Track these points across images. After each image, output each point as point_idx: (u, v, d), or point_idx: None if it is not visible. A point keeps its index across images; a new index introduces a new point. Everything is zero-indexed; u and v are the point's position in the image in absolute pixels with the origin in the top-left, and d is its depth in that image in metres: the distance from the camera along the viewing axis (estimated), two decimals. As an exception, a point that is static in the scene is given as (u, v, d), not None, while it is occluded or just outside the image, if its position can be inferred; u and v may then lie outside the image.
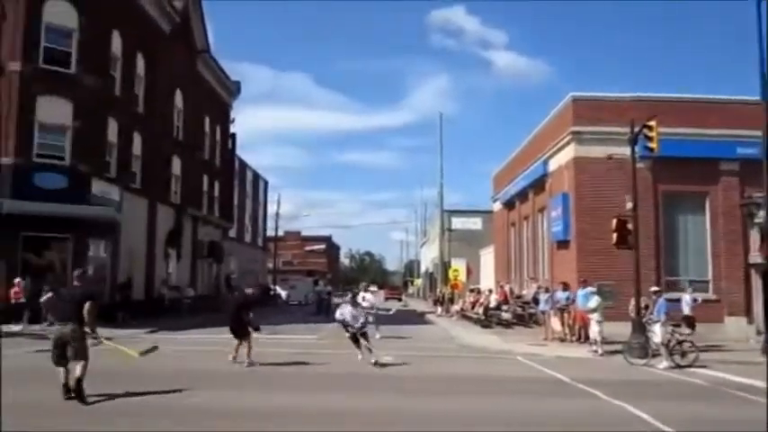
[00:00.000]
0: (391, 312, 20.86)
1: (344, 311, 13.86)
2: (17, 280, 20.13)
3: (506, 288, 28.92)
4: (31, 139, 22.23)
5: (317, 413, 8.43)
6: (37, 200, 21.19)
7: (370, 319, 18.63)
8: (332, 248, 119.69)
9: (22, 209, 20.99)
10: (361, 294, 20.78)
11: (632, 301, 16.64)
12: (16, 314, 19.56)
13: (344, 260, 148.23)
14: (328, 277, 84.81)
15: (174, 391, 9.56)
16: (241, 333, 13.19)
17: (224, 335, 15.08)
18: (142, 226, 28.53)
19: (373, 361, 12.88)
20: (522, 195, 30.68)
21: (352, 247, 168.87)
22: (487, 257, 42.24)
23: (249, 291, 18.41)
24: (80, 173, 22.82)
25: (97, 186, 23.53)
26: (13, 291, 19.89)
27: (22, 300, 19.92)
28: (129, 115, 27.16)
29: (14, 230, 21.36)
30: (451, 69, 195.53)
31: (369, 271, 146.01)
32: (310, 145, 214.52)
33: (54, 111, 22.79)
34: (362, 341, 13.55)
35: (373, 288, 28.09)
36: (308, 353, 15.24)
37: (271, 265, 66.18)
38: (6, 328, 18.78)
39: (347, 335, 13.95)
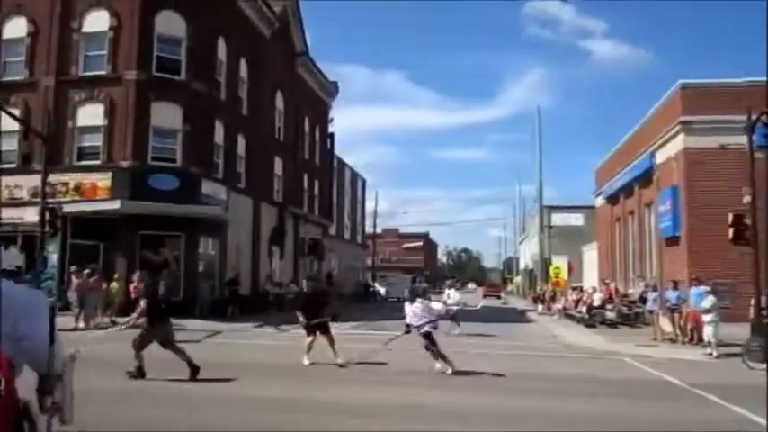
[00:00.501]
0: (478, 307, 20.50)
1: (406, 310, 12.36)
2: (136, 274, 21.47)
3: (611, 286, 27.85)
4: (146, 143, 23.69)
5: (412, 410, 8.45)
6: (152, 200, 22.57)
7: (450, 313, 18.52)
8: (429, 245, 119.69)
9: (140, 209, 22.43)
10: (446, 291, 20.62)
11: (752, 301, 15.58)
12: (135, 307, 20.87)
13: (442, 257, 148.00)
14: (426, 274, 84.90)
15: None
16: (320, 329, 12.60)
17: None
18: (247, 224, 29.72)
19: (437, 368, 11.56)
20: (627, 189, 29.43)
21: (450, 244, 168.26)
22: (590, 254, 40.84)
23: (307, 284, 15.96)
24: (191, 174, 24.08)
25: (206, 187, 24.77)
26: (132, 286, 21.25)
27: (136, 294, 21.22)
28: (234, 118, 28.36)
29: (133, 229, 22.88)
30: (547, 61, 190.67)
31: (466, 268, 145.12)
32: (406, 143, 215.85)
33: (166, 116, 24.19)
34: (426, 344, 11.74)
35: (472, 285, 27.75)
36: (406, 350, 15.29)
37: (370, 263, 67.09)
38: (126, 319, 20.12)
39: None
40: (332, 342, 12.56)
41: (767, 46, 13.93)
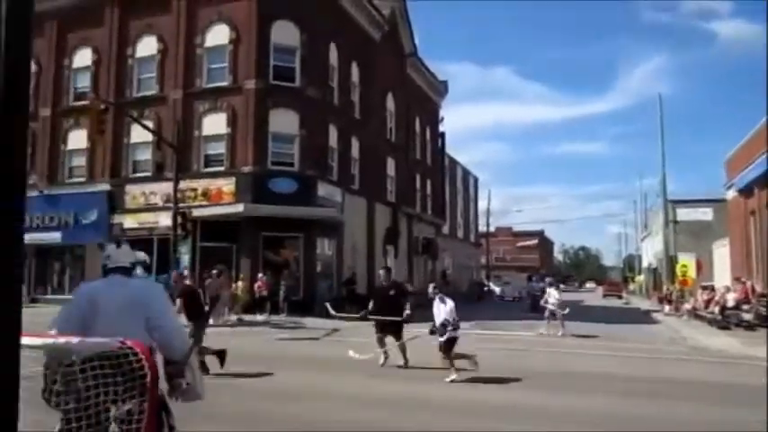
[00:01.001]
0: (566, 311, 19.39)
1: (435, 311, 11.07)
2: (260, 275, 22.54)
3: (748, 285, 25.83)
4: (265, 148, 24.76)
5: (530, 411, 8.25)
6: (272, 203, 23.57)
7: (558, 311, 17.58)
8: (545, 243, 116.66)
9: (261, 212, 23.48)
10: (547, 290, 19.84)
11: None
12: (260, 306, 21.90)
13: (558, 255, 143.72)
14: (542, 273, 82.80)
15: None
16: (394, 328, 11.64)
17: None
18: (362, 225, 30.31)
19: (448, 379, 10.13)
20: (763, 180, 27.21)
21: (566, 242, 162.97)
22: (721, 251, 38.09)
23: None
24: (307, 177, 24.90)
25: (322, 189, 25.52)
26: (256, 285, 22.31)
27: (264, 293, 22.23)
28: (347, 121, 29.01)
29: (256, 231, 23.98)
30: (666, 46, 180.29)
31: (584, 266, 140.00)
32: (518, 139, 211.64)
33: (284, 122, 25.16)
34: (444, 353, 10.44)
35: (591, 284, 26.56)
36: (525, 350, 14.99)
37: (483, 261, 66.36)
38: (251, 317, 21.17)
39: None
40: (402, 347, 11.63)
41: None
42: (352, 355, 11.50)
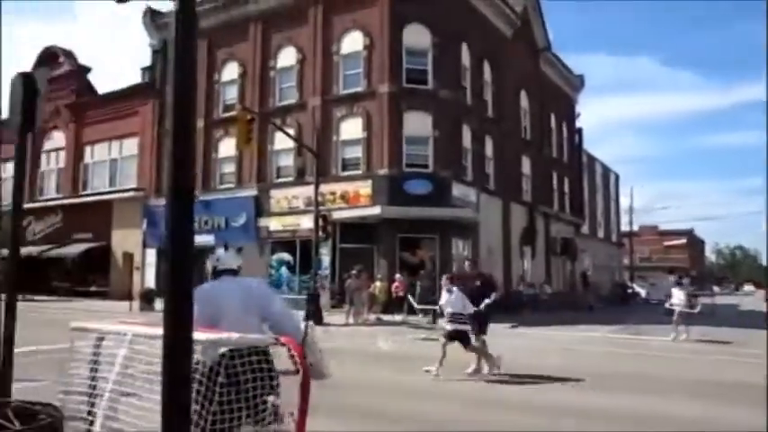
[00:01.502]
0: (696, 310, 17.59)
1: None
2: (397, 275, 22.91)
3: None
4: (400, 151, 25.14)
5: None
6: (408, 205, 23.89)
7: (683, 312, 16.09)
8: (695, 243, 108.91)
9: (397, 213, 23.86)
10: (672, 290, 18.23)
11: None
12: (398, 306, 22.25)
13: (710, 255, 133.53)
14: (692, 275, 77.28)
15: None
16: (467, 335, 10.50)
17: (580, 332, 14.68)
18: (497, 225, 29.89)
19: (428, 370, 10.11)
20: None
21: (720, 240, 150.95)
22: None
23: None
24: (442, 178, 24.97)
25: (457, 190, 25.49)
26: (394, 285, 22.69)
27: (401, 293, 22.55)
28: (480, 120, 28.75)
29: (392, 233, 24.42)
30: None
31: (741, 267, 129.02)
32: (662, 131, 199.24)
33: (417, 124, 25.42)
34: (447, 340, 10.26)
35: (749, 287, 24.29)
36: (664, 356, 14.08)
37: (627, 262, 63.10)
38: (389, 317, 21.57)
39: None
40: (480, 352, 10.70)
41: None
42: (381, 345, 11.25)
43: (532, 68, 35.99)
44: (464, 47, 27.76)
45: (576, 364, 12.28)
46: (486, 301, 10.91)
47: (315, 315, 19.05)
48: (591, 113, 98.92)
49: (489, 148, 29.81)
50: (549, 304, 30.77)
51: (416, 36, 25.91)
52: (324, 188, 23.82)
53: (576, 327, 21.24)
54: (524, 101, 34.60)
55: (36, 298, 30.76)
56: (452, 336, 10.29)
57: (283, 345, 3.68)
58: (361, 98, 26.05)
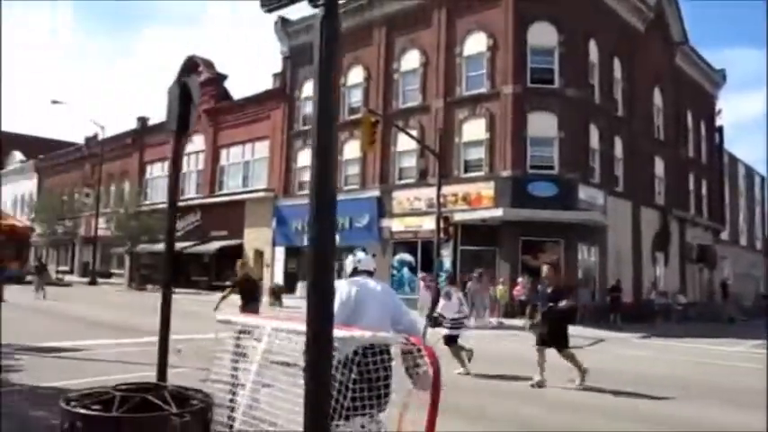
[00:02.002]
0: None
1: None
2: (519, 279, 22.49)
3: None
4: (524, 152, 24.65)
5: None
6: (532, 207, 23.36)
7: None
8: None
9: (520, 216, 23.41)
10: None
11: None
12: (520, 310, 21.84)
13: None
14: None
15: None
16: (559, 341, 9.99)
17: (719, 346, 13.71)
18: (627, 229, 28.50)
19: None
20: None
21: None
22: None
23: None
24: (568, 180, 24.20)
25: (583, 192, 24.60)
26: (516, 289, 22.30)
27: (523, 297, 22.11)
28: (609, 120, 27.56)
29: (515, 235, 23.99)
30: None
31: None
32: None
33: (542, 125, 24.79)
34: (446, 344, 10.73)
35: None
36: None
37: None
38: (510, 322, 21.20)
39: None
40: (574, 361, 10.01)
41: None
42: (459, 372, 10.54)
43: (667, 64, 34.00)
44: (592, 43, 26.74)
45: (712, 380, 11.48)
46: (549, 304, 10.10)
47: (436, 318, 19.06)
48: (733, 111, 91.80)
49: (619, 149, 28.50)
50: (684, 315, 28.94)
51: (542, 35, 25.29)
52: (446, 190, 23.80)
53: (715, 340, 19.87)
54: (658, 98, 32.76)
55: (177, 290, 33.19)
56: (450, 340, 10.85)
57: (413, 345, 3.75)
58: (484, 99, 25.81)
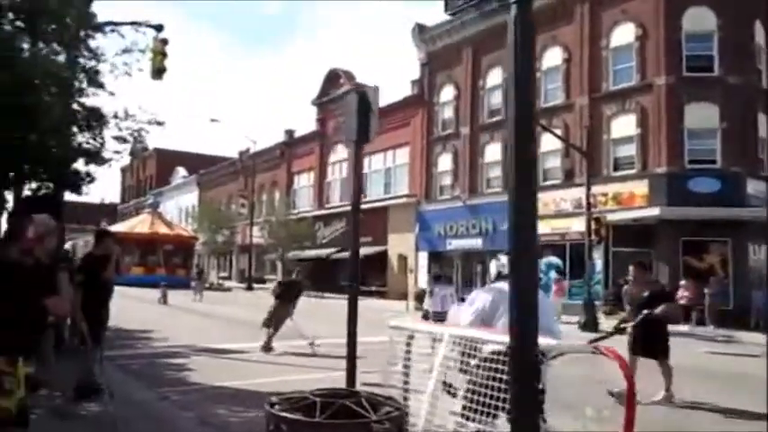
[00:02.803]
0: None
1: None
2: (681, 282, 20.99)
3: None
4: (681, 147, 23.03)
5: None
6: (692, 205, 21.75)
7: None
8: None
9: (679, 214, 21.87)
10: None
11: None
12: (685, 315, 20.35)
13: None
14: None
15: None
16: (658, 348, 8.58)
17: None
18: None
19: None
20: None
21: None
22: None
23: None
24: (733, 174, 22.29)
25: (752, 186, 22.54)
26: (678, 293, 20.80)
27: (684, 301, 20.55)
28: (780, 106, 25.04)
29: (674, 235, 22.45)
30: None
31: None
32: None
33: (700, 116, 23.04)
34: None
35: None
36: None
37: None
38: (674, 328, 19.77)
39: None
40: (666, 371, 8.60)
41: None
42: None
43: None
44: (757, 25, 24.45)
45: None
46: (644, 311, 8.55)
47: (591, 323, 18.30)
48: None
49: (792, 138, 25.83)
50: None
51: (698, 20, 23.52)
52: (594, 189, 22.78)
53: None
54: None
55: (327, 295, 34.51)
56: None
57: (604, 354, 3.56)
58: (633, 93, 24.45)
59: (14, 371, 3.83)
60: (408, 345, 4.70)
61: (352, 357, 3.87)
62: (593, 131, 24.55)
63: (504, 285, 4.47)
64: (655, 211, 22.27)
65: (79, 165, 11.19)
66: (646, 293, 8.90)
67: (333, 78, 43.08)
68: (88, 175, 11.30)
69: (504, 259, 5.09)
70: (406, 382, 4.55)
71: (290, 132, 49.26)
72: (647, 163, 23.65)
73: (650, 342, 8.55)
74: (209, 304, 27.01)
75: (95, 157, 10.62)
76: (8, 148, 8.61)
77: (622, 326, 9.09)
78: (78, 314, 6.06)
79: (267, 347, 12.01)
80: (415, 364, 4.57)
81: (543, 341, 3.64)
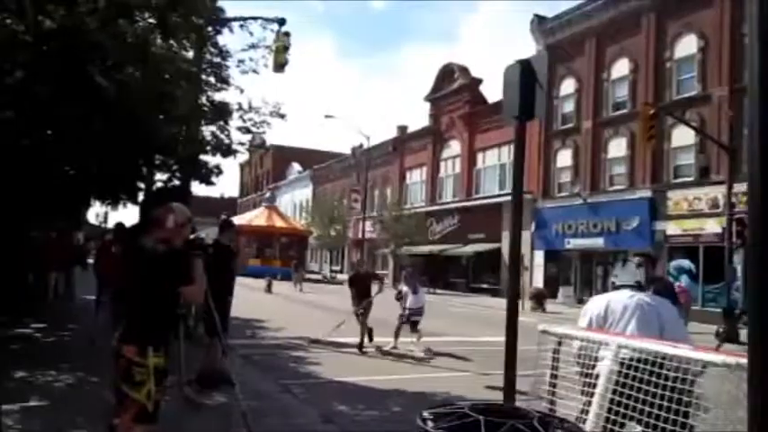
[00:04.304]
0: None
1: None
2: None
3: None
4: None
5: None
6: None
7: None
8: None
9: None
10: None
11: None
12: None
13: None
14: None
15: None
16: None
17: None
18: None
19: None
20: None
21: None
22: None
23: None
24: None
25: None
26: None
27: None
28: None
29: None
30: None
31: None
32: None
33: None
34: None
35: None
36: None
37: None
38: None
39: None
40: None
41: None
42: None
43: None
44: None
45: None
46: None
47: (731, 333, 16.70)
48: None
49: None
50: None
51: None
52: (735, 188, 20.88)
53: None
54: None
55: (437, 291, 34.13)
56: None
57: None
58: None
59: (145, 361, 3.69)
60: (556, 352, 4.26)
61: (511, 366, 3.38)
62: (735, 126, 22.51)
63: (617, 295, 4.36)
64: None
65: (207, 158, 11.47)
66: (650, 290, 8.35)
67: (447, 73, 42.53)
68: (217, 167, 11.56)
69: (617, 269, 4.72)
70: (552, 392, 4.10)
71: (402, 128, 49.25)
72: (797, 159, 21.35)
73: None
74: (323, 294, 27.37)
75: (221, 149, 10.80)
76: (142, 139, 8.86)
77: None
78: (210, 303, 6.00)
79: (359, 345, 11.64)
80: (562, 371, 4.12)
81: (694, 353, 3.17)
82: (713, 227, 22.27)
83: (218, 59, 10.36)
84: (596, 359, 3.76)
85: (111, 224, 37.36)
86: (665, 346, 3.31)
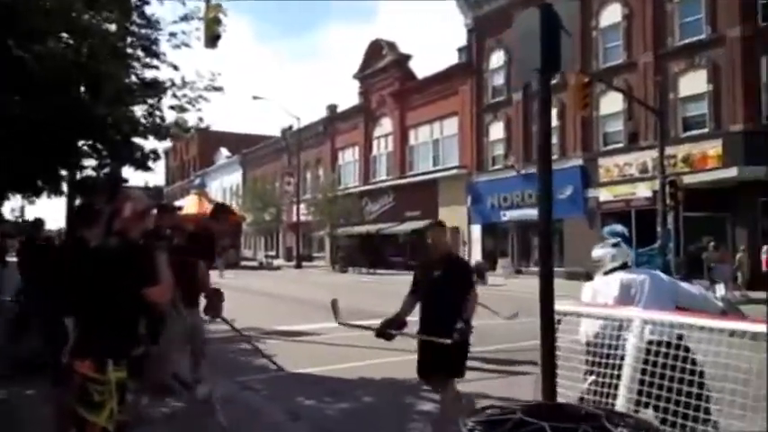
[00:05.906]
0: None
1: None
2: (765, 247, 19.67)
3: None
4: (758, 102, 21.49)
5: None
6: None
7: None
8: None
9: (759, 175, 20.41)
10: None
11: None
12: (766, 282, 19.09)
13: None
14: None
15: None
16: None
17: None
18: None
19: None
20: None
21: None
22: None
23: None
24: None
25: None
26: (765, 259, 19.50)
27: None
28: None
29: (752, 197, 21.04)
30: None
31: None
32: None
33: (778, 68, 21.42)
34: None
35: None
36: None
37: None
38: (757, 295, 18.53)
39: None
40: None
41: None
42: None
43: None
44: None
45: None
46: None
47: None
48: None
49: None
50: None
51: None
52: (666, 151, 21.45)
53: None
54: None
55: (378, 271, 33.93)
56: None
57: None
58: (702, 47, 22.85)
59: (104, 377, 3.15)
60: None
61: (549, 354, 2.99)
62: (659, 91, 23.11)
63: (604, 280, 4.34)
64: (732, 172, 20.85)
65: (141, 142, 10.61)
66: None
67: (375, 50, 41.95)
68: (153, 152, 10.70)
69: (597, 251, 4.68)
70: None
71: (332, 108, 48.42)
72: (721, 121, 22.15)
73: None
74: (271, 281, 26.61)
75: (156, 130, 9.95)
76: (66, 119, 7.98)
77: None
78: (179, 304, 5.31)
79: None
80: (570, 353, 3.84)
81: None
82: (644, 191, 22.88)
83: (147, 31, 9.48)
84: (618, 338, 3.47)
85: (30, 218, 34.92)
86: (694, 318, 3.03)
